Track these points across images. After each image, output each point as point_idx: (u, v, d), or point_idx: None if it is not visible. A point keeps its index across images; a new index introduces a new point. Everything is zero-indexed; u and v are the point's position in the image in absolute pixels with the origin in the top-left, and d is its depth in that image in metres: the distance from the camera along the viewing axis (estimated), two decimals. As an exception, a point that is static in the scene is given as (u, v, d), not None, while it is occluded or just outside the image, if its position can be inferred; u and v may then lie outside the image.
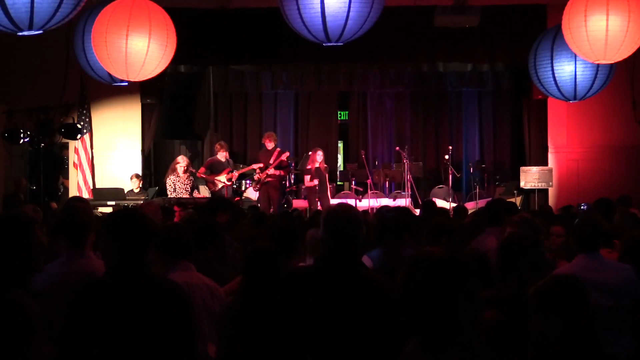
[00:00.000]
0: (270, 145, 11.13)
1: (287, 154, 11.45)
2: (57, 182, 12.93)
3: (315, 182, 11.02)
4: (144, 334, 2.59)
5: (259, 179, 11.10)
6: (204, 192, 11.85)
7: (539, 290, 2.45)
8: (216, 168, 11.23)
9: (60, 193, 12.69)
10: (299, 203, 12.48)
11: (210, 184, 11.20)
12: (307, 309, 2.66)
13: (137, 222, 2.73)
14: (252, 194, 12.38)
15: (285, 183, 12.81)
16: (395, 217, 4.69)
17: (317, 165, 11.17)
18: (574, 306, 2.38)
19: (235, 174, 11.55)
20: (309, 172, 11.15)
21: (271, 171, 10.93)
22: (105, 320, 2.60)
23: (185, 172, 10.76)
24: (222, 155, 11.31)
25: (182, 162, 10.75)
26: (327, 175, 11.47)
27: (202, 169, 11.16)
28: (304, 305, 2.68)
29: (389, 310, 2.66)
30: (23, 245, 2.69)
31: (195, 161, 12.21)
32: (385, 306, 2.66)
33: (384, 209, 6.16)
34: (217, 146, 11.45)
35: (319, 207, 10.80)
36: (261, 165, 11.32)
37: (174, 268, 3.50)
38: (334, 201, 11.93)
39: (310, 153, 11.91)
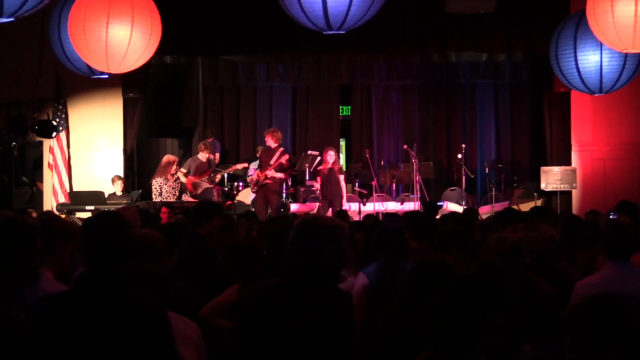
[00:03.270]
0: (272, 143, 11.03)
1: (287, 156, 11.47)
2: (30, 185, 12.93)
3: (315, 184, 11.00)
4: (114, 353, 2.54)
5: (257, 180, 10.99)
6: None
7: (575, 311, 2.39)
8: (198, 170, 11.25)
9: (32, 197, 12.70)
10: (297, 207, 12.48)
11: (192, 187, 11.19)
12: (269, 327, 2.78)
13: (114, 227, 2.71)
14: (245, 197, 12.38)
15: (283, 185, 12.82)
16: (396, 227, 4.70)
17: (329, 166, 11.14)
18: (617, 329, 2.32)
19: (219, 175, 11.57)
20: (319, 173, 11.15)
21: (270, 173, 10.84)
22: (70, 337, 2.56)
23: (173, 174, 10.80)
24: (203, 156, 11.34)
25: (174, 164, 10.77)
26: (341, 177, 11.36)
27: (181, 171, 11.15)
28: (266, 324, 2.79)
29: (347, 336, 2.81)
30: (20, 254, 2.67)
31: (182, 160, 12.21)
32: (343, 330, 2.79)
33: (388, 218, 6.16)
34: (201, 146, 11.51)
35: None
36: (245, 165, 11.21)
37: None
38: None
39: (310, 152, 11.90)
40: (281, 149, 11.09)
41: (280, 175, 10.91)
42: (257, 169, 11.30)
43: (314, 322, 2.76)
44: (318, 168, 11.30)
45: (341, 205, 11.05)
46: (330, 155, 11.10)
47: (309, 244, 2.85)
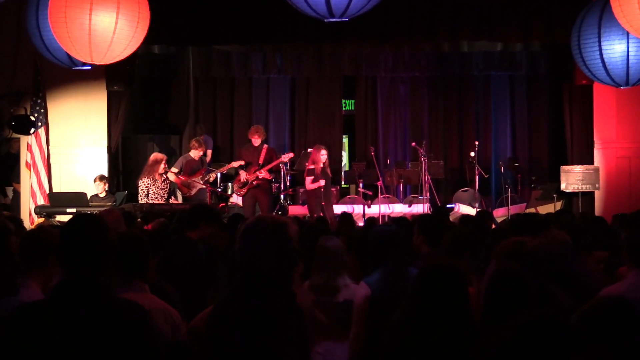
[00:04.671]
0: (257, 141, 11.12)
1: (291, 155, 11.48)
2: (5, 186, 12.94)
3: (322, 182, 10.98)
4: None
5: (246, 181, 11.02)
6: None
7: (583, 315, 2.45)
8: (189, 169, 11.25)
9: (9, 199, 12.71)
10: (297, 210, 12.48)
11: (185, 187, 11.20)
12: (221, 337, 2.90)
13: (93, 231, 2.71)
14: (239, 199, 12.38)
15: (280, 186, 12.82)
16: (402, 231, 4.70)
17: (321, 165, 11.16)
18: (622, 333, 2.38)
19: (213, 175, 11.56)
20: (312, 172, 11.15)
21: (262, 174, 10.90)
22: (47, 349, 2.55)
23: (162, 174, 10.79)
24: (195, 154, 11.34)
25: (162, 162, 10.76)
26: (330, 177, 11.44)
27: (172, 170, 11.15)
28: (218, 334, 2.91)
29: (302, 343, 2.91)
30: None
31: (172, 160, 12.21)
32: (278, 338, 2.85)
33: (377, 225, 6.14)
34: (194, 143, 11.51)
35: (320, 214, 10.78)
36: (241, 162, 11.30)
37: (125, 288, 3.52)
38: (338, 208, 11.92)
39: (310, 150, 11.90)
40: (265, 146, 11.18)
41: (269, 175, 11.04)
42: (240, 169, 11.26)
43: (255, 329, 2.83)
44: (308, 167, 11.26)
45: (332, 208, 11.11)
46: (324, 154, 11.13)
47: (249, 246, 2.91)
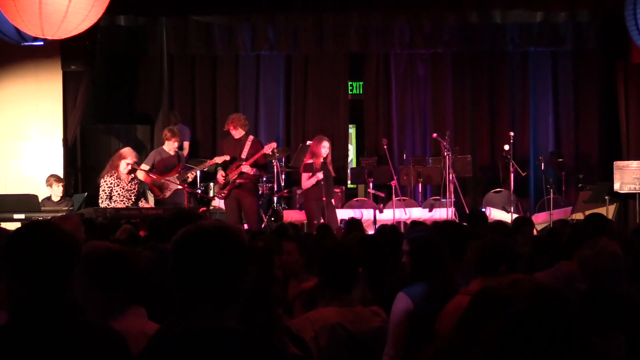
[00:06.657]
0: (237, 132, 11.06)
1: (274, 145, 11.40)
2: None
3: (320, 175, 10.93)
4: None
5: (227, 181, 10.93)
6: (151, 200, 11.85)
7: None
8: (163, 166, 11.21)
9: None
10: (293, 215, 12.47)
11: (157, 188, 11.16)
12: None
13: (51, 241, 2.70)
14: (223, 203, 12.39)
15: (273, 186, 12.81)
16: (438, 238, 4.70)
17: (321, 160, 11.15)
18: None
19: (192, 173, 11.52)
20: (309, 168, 11.13)
21: (245, 168, 10.79)
22: None
23: (129, 172, 10.76)
24: (170, 147, 11.30)
25: (129, 157, 10.74)
26: (333, 177, 11.39)
27: (142, 168, 11.12)
28: None
29: None
30: None
31: (141, 155, 12.21)
32: None
33: (417, 228, 6.15)
34: (167, 133, 11.46)
35: (322, 220, 10.78)
36: (226, 157, 11.30)
37: (120, 312, 3.52)
38: (344, 213, 11.90)
39: (310, 143, 11.90)
40: (251, 137, 11.10)
41: (254, 170, 10.85)
42: (218, 167, 11.20)
43: None
44: (306, 162, 11.24)
45: (334, 211, 11.09)
46: (325, 147, 11.12)
47: (188, 263, 2.55)
